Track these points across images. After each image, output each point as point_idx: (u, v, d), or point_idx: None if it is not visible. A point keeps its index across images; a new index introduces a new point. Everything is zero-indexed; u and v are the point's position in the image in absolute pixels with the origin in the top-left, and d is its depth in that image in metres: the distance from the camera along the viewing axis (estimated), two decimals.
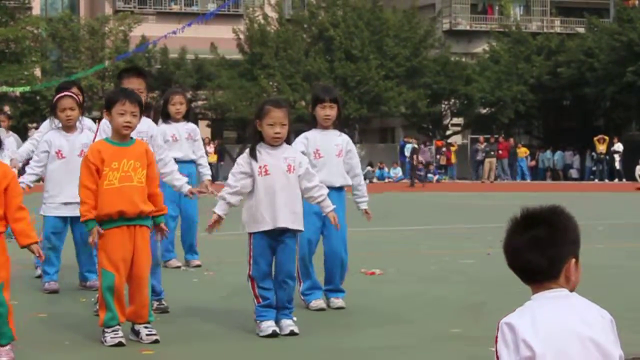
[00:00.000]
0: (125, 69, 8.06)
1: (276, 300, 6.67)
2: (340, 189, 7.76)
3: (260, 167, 6.60)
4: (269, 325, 6.57)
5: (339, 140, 7.84)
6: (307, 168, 6.81)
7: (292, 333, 6.61)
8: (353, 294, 8.63)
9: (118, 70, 45.05)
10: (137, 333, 6.44)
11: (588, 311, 3.04)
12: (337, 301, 7.82)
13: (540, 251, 3.05)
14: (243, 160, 6.69)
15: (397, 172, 45.60)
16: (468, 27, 56.70)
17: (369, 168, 45.43)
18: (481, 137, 47.46)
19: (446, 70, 49.17)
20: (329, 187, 7.44)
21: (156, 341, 6.35)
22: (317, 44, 48.11)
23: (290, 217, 6.61)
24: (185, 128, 10.44)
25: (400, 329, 6.99)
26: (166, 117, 10.34)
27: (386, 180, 44.83)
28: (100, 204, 6.22)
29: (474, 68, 50.37)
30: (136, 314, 6.41)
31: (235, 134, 50.37)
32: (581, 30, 51.81)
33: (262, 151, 6.66)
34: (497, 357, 3.03)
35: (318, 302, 7.74)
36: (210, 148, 42.35)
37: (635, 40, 44.90)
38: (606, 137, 44.92)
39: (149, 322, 6.45)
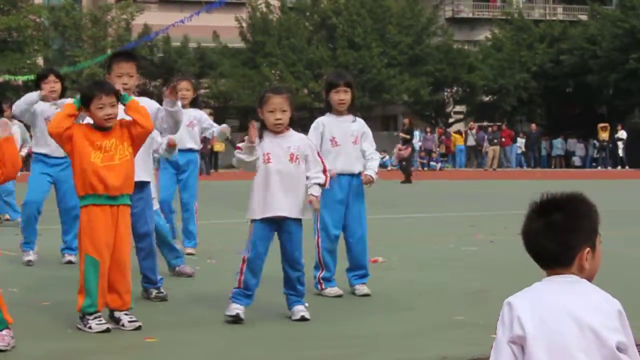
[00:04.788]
0: (115, 54, 8.05)
1: (286, 285, 6.79)
2: (359, 175, 7.82)
3: (263, 155, 6.62)
4: (236, 308, 6.57)
5: (355, 127, 7.86)
6: (312, 155, 6.78)
7: (302, 318, 6.68)
8: None
9: None
10: (117, 320, 6.39)
11: (592, 297, 3.03)
12: (361, 288, 7.86)
13: (554, 237, 3.05)
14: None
15: None
16: (471, 15, 56.64)
17: None
18: (473, 124, 47.63)
19: (449, 58, 49.12)
20: (348, 175, 7.71)
21: (139, 327, 6.32)
22: (320, 32, 48.08)
23: (289, 206, 6.61)
24: (187, 116, 10.15)
25: (403, 316, 6.99)
26: None
27: (389, 168, 44.80)
28: (86, 178, 6.17)
29: (477, 56, 50.35)
30: (119, 301, 6.35)
31: (238, 122, 50.34)
32: (584, 17, 51.71)
33: (266, 139, 6.68)
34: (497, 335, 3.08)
35: (334, 290, 7.81)
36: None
37: (638, 27, 44.81)
38: (608, 125, 44.87)
39: (130, 309, 6.42)
